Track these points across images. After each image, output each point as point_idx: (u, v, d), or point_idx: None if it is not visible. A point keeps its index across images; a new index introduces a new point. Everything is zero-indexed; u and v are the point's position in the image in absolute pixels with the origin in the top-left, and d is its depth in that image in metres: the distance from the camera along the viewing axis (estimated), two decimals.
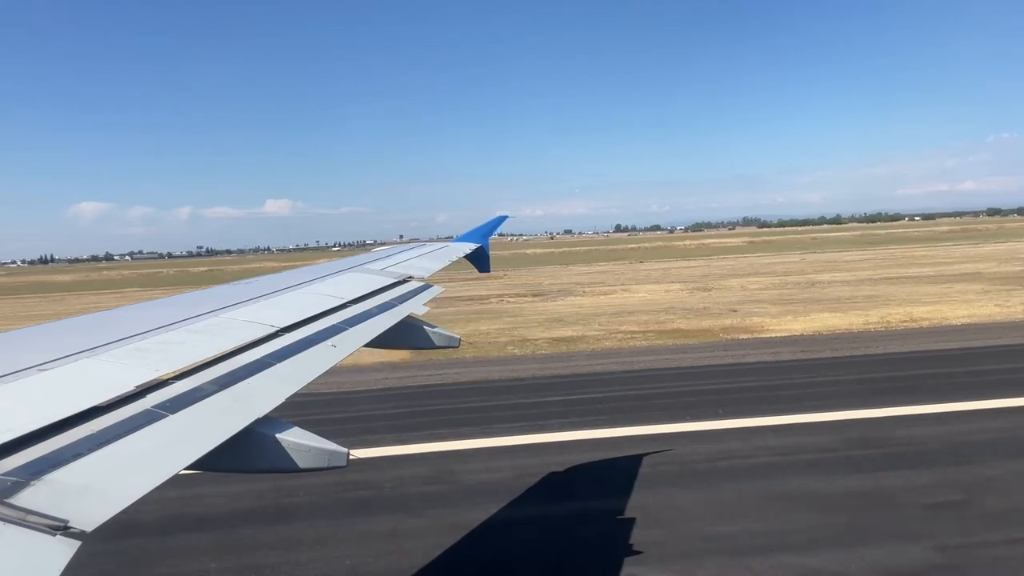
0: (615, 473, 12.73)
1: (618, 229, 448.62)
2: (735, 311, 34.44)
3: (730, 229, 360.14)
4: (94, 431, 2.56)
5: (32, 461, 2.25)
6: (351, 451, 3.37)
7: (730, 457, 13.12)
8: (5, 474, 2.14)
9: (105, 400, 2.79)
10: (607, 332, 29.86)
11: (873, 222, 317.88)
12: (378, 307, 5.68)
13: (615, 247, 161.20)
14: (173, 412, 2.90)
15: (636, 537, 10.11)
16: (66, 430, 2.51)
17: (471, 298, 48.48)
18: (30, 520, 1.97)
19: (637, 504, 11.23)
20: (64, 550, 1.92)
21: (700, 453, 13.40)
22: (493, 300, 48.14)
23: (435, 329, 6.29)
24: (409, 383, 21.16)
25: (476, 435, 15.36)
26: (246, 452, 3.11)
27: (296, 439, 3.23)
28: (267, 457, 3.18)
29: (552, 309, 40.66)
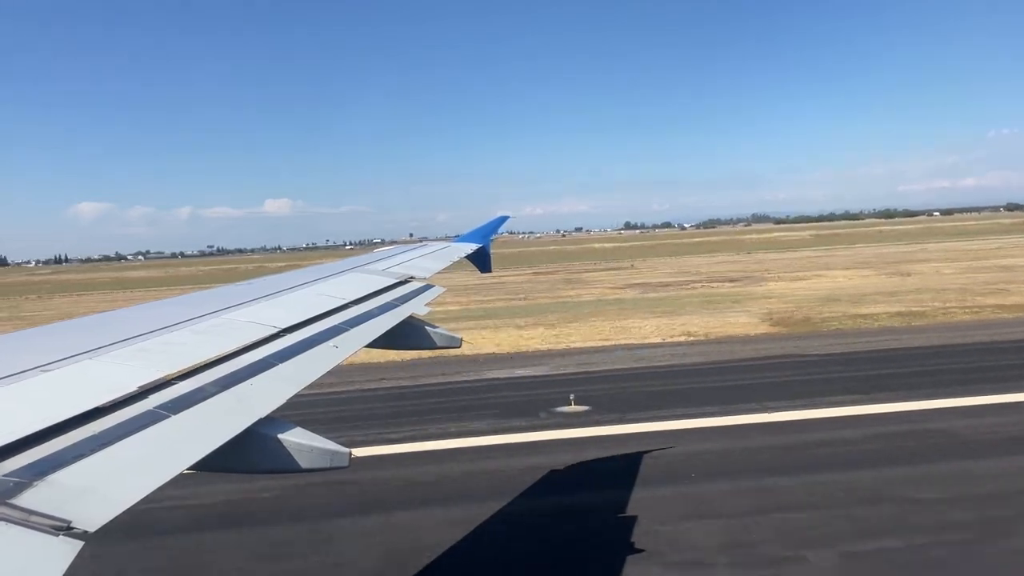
0: None
1: (627, 226, 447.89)
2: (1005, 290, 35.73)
3: (746, 225, 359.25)
4: (96, 432, 2.56)
5: (35, 462, 2.26)
6: (352, 450, 3.38)
7: None
8: (8, 475, 2.14)
9: (107, 401, 2.79)
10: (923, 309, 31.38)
11: (891, 217, 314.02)
12: (380, 307, 5.68)
13: (684, 241, 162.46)
14: (175, 413, 2.90)
15: None
16: (68, 431, 2.51)
17: (668, 284, 51.81)
18: (33, 521, 1.97)
19: None
20: (67, 551, 1.92)
21: None
22: (698, 285, 50.77)
23: (436, 329, 6.29)
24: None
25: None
26: (248, 452, 3.11)
27: (298, 439, 3.23)
28: (269, 457, 3.19)
29: (790, 291, 42.17)
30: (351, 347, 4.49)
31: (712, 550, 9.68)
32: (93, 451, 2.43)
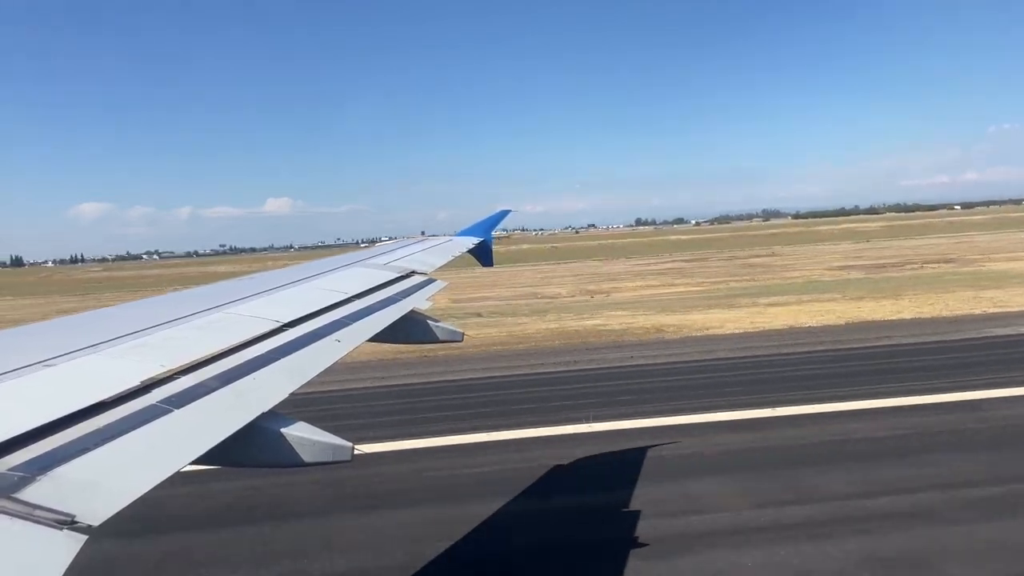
0: None
1: (638, 222, 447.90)
2: None
3: (766, 219, 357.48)
4: (99, 426, 2.57)
5: (38, 456, 2.26)
6: (355, 445, 3.38)
7: None
8: (11, 469, 2.15)
9: (110, 396, 2.80)
10: None
11: (910, 211, 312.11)
12: (382, 302, 5.68)
13: (760, 233, 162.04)
14: (178, 407, 2.90)
15: None
16: (71, 425, 2.52)
17: (884, 266, 52.17)
18: (36, 515, 1.98)
19: None
20: (70, 544, 1.93)
21: None
22: (908, 268, 50.80)
23: (439, 324, 6.30)
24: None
25: None
26: (251, 447, 3.12)
27: (300, 433, 3.24)
28: (272, 451, 3.19)
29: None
30: (354, 341, 4.49)
31: None
32: (96, 446, 2.44)
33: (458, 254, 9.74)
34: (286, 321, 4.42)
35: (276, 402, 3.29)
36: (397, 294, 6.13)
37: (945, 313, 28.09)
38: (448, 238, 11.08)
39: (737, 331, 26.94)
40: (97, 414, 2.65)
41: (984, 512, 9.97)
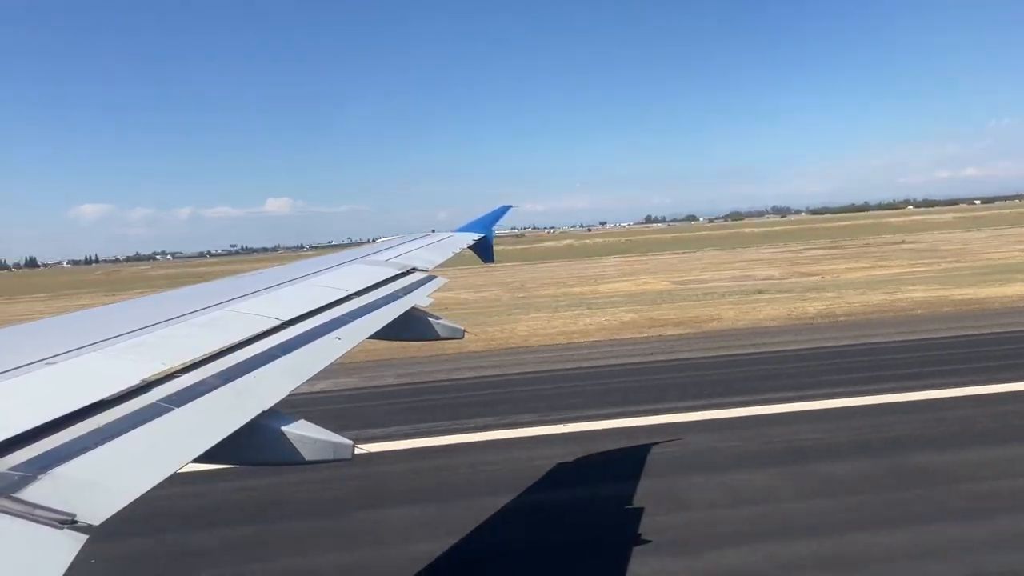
0: None
1: (648, 220, 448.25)
2: None
3: (781, 215, 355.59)
4: (100, 425, 2.56)
5: (39, 456, 2.25)
6: (356, 444, 3.37)
7: None
8: (12, 469, 2.14)
9: (111, 394, 2.79)
10: None
11: (931, 206, 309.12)
12: (382, 299, 5.66)
13: (828, 225, 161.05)
14: (179, 406, 2.90)
15: None
16: (72, 424, 2.51)
17: None
18: (37, 514, 1.97)
19: None
20: (71, 544, 1.92)
21: None
22: None
23: (439, 320, 6.29)
24: None
25: None
26: (252, 445, 3.11)
27: (301, 431, 3.23)
28: (272, 449, 3.19)
29: None
30: (354, 339, 4.48)
31: None
32: (97, 444, 2.43)
33: (459, 250, 9.70)
34: (286, 319, 4.40)
35: (276, 400, 3.29)
36: (398, 291, 6.11)
37: None
38: (448, 234, 11.02)
39: None
40: (97, 412, 2.64)
41: None
